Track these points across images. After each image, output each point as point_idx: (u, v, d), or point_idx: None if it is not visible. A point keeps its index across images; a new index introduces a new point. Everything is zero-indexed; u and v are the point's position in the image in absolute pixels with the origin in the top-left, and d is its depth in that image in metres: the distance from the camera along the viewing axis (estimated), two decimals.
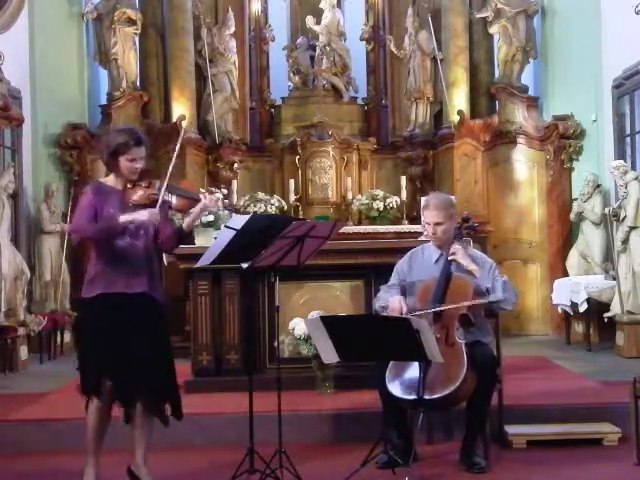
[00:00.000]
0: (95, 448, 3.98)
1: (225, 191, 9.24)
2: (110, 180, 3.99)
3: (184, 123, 9.50)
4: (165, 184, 3.90)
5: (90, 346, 3.91)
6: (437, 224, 4.43)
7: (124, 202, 3.90)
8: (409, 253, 4.66)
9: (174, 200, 3.94)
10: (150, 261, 3.99)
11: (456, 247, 4.40)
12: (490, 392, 4.34)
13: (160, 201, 3.87)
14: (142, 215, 3.82)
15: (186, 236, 4.10)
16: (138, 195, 3.90)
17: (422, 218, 4.56)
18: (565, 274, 9.16)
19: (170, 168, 3.99)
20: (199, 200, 3.96)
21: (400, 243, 5.83)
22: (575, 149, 9.69)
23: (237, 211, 6.39)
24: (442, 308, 4.23)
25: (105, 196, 3.91)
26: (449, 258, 4.38)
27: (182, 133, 4.50)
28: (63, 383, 6.40)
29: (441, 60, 9.88)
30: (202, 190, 4.39)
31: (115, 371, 3.84)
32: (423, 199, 4.68)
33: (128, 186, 3.92)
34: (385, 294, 4.51)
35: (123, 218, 3.81)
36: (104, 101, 10.09)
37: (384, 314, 4.40)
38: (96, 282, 3.89)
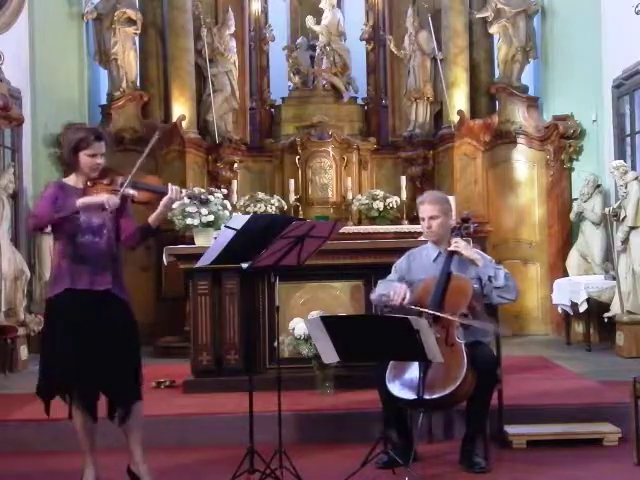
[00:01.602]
0: (89, 448, 3.99)
1: (225, 191, 9.25)
2: (71, 180, 3.97)
3: (184, 123, 9.53)
4: (128, 179, 3.85)
5: (55, 347, 3.87)
6: (432, 218, 4.46)
7: None
8: (407, 253, 4.67)
9: (136, 193, 3.89)
10: (114, 260, 3.97)
11: (457, 239, 4.42)
12: (490, 392, 4.34)
13: (120, 193, 3.81)
14: (100, 197, 3.78)
15: (154, 232, 4.03)
16: (99, 192, 3.85)
17: (419, 214, 4.58)
18: (565, 274, 9.16)
19: (137, 164, 3.90)
20: (164, 192, 3.92)
21: (400, 243, 5.83)
22: (575, 149, 9.68)
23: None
24: (441, 315, 4.22)
25: (67, 194, 3.88)
26: (450, 248, 4.39)
27: (156, 134, 4.15)
28: None
29: (441, 60, 9.88)
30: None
31: (80, 374, 3.82)
32: (418, 198, 4.70)
33: (88, 184, 3.89)
34: (386, 284, 4.50)
35: (80, 201, 3.77)
36: (104, 101, 10.11)
37: (384, 299, 4.39)
38: (60, 280, 3.88)
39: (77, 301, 3.85)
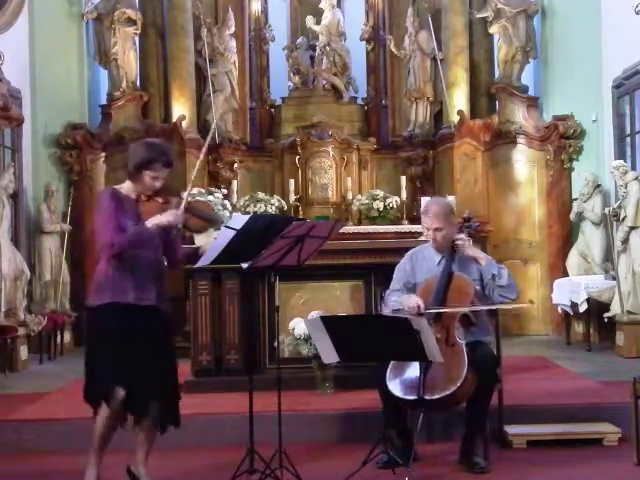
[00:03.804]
0: (99, 450, 3.95)
1: (225, 191, 9.25)
2: (125, 188, 3.94)
3: (184, 123, 9.52)
4: (184, 202, 3.84)
5: (101, 353, 3.85)
6: (437, 230, 4.45)
7: (138, 213, 3.86)
8: (408, 255, 4.66)
9: (189, 219, 3.91)
10: (160, 272, 3.98)
11: (463, 237, 4.42)
12: (490, 392, 4.34)
13: (181, 212, 3.82)
14: (167, 216, 3.79)
15: (198, 258, 4.13)
16: (154, 210, 3.83)
17: (422, 222, 4.57)
18: (565, 274, 9.16)
19: (190, 185, 3.99)
20: (216, 221, 4.03)
21: (400, 243, 5.83)
22: (575, 149, 9.69)
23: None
24: (447, 310, 4.22)
25: (121, 204, 3.85)
26: (456, 242, 4.39)
27: (206, 146, 4.26)
28: (63, 383, 6.40)
29: (441, 60, 9.88)
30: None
31: (129, 381, 3.81)
32: (423, 204, 4.69)
33: (143, 198, 3.89)
34: (395, 297, 4.48)
35: (150, 223, 3.78)
36: (104, 101, 10.11)
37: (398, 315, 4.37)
38: (105, 290, 3.85)
39: (120, 314, 3.83)
